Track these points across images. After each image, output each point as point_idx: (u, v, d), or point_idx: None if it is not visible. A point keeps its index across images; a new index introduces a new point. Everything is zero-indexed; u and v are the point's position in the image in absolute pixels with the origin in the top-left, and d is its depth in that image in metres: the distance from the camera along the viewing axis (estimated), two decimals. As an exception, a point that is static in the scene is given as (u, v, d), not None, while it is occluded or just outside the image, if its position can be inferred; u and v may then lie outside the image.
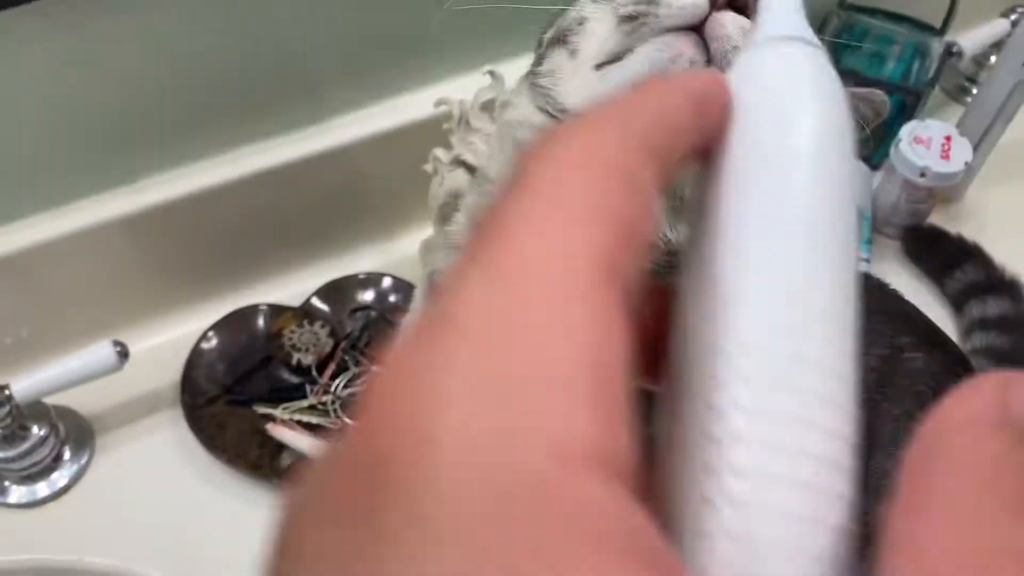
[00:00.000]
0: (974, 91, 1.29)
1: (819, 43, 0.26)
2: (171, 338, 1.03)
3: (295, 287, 1.07)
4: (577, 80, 0.55)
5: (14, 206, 0.92)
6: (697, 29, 0.48)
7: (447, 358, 0.16)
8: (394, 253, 1.10)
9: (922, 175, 1.06)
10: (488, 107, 0.95)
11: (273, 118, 0.98)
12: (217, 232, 1.01)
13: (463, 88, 1.01)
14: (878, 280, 0.80)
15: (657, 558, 0.16)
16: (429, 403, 0.16)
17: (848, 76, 1.08)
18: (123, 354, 0.91)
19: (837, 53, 1.14)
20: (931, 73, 1.12)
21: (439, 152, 0.98)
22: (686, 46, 0.48)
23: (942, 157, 1.06)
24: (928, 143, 1.07)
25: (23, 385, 0.88)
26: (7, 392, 0.87)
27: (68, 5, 0.79)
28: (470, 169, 0.93)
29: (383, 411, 0.16)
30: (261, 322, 1.03)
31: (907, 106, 1.13)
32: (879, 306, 0.68)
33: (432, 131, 0.98)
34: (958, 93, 1.30)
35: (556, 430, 0.16)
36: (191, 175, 0.96)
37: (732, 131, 0.24)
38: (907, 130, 1.08)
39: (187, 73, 0.90)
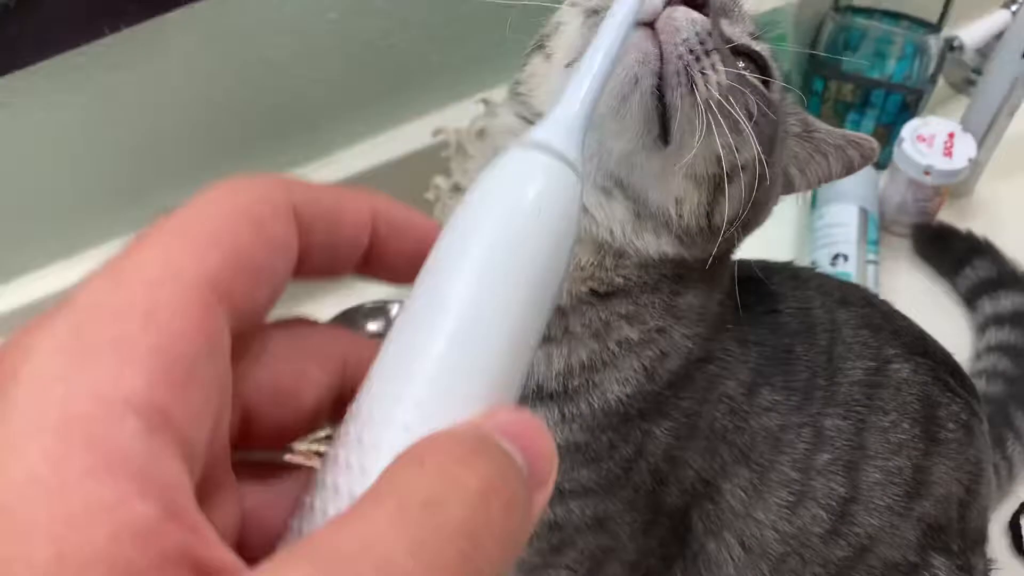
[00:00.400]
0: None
1: (579, 168, 0.28)
2: None
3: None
4: (551, 83, 0.56)
5: (27, 258, 0.95)
6: (652, 24, 0.48)
7: (50, 325, 0.21)
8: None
9: (926, 173, 1.06)
10: (483, 134, 0.96)
11: (275, 157, 1.00)
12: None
13: (460, 114, 1.03)
14: (864, 292, 0.80)
15: (164, 495, 0.20)
16: (21, 353, 0.21)
17: (848, 79, 1.08)
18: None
19: (836, 55, 1.14)
20: (931, 70, 1.11)
21: (439, 180, 1.00)
22: (638, 40, 0.48)
23: (945, 154, 1.05)
24: (931, 141, 1.06)
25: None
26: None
27: (72, 64, 0.82)
28: (469, 194, 0.95)
29: None
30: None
31: (909, 104, 1.12)
32: (865, 320, 0.68)
33: (432, 159, 1.00)
34: (964, 86, 1.28)
35: (105, 381, 0.20)
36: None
37: (455, 215, 0.27)
38: (909, 129, 1.07)
39: (189, 120, 0.93)
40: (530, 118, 0.58)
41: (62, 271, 0.96)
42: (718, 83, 0.49)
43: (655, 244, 0.55)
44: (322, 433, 1.00)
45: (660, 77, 0.48)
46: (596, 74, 0.29)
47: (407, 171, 1.03)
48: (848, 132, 0.64)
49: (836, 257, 1.05)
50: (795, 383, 0.64)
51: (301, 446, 0.99)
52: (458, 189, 0.98)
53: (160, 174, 0.96)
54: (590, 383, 0.57)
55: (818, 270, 0.80)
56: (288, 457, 0.98)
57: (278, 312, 0.28)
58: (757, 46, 0.55)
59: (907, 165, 1.07)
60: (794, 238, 1.16)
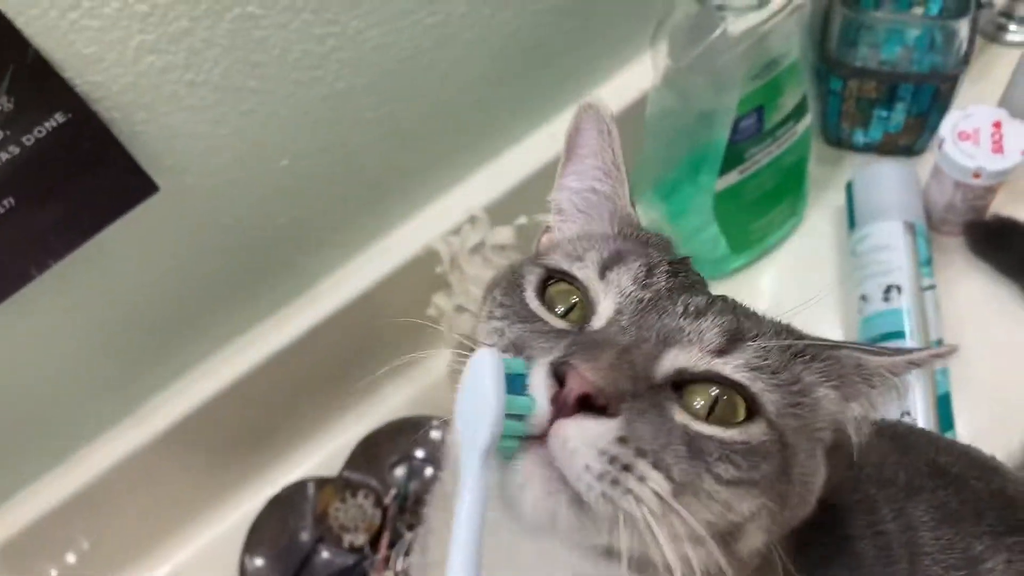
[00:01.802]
0: (1011, 27, 1.13)
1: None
2: (220, 532, 1.00)
3: (328, 449, 1.02)
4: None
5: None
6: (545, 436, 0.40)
7: None
8: (415, 386, 1.04)
9: (975, 176, 0.93)
10: (477, 249, 0.86)
11: (257, 305, 0.91)
12: (237, 424, 0.96)
13: (437, 219, 0.93)
14: (926, 451, 0.68)
15: None
16: None
17: (869, 75, 0.96)
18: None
19: (848, 50, 1.00)
20: (963, 50, 0.97)
21: (439, 300, 0.91)
22: (531, 465, 0.40)
23: (994, 151, 0.93)
24: (975, 137, 0.93)
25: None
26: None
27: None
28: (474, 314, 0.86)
29: None
30: (305, 505, 0.98)
31: (942, 92, 0.99)
32: (941, 512, 0.59)
33: (420, 271, 0.91)
34: (996, 33, 1.14)
35: None
36: (209, 374, 0.92)
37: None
38: (949, 126, 0.94)
39: (157, 302, 0.84)
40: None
41: (59, 476, 0.89)
42: (655, 493, 0.40)
43: None
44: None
45: (579, 499, 0.40)
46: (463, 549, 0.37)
47: (399, 287, 0.93)
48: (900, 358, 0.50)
49: (889, 290, 0.94)
50: None
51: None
52: (462, 309, 0.89)
53: (138, 361, 0.87)
54: None
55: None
56: None
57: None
58: (732, 370, 0.45)
59: (953, 169, 0.94)
60: (837, 264, 1.05)
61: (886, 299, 0.94)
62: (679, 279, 0.49)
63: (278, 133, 0.79)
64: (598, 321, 0.47)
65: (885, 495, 0.60)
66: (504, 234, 0.85)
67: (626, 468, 0.40)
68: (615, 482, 0.39)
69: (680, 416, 0.43)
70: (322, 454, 1.02)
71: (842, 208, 1.07)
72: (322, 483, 0.99)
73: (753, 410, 0.45)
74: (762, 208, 1.01)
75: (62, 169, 0.67)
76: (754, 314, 0.50)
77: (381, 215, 0.93)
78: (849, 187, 1.03)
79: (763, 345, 0.46)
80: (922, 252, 0.96)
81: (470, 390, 0.40)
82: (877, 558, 0.57)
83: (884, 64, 0.99)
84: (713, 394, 0.44)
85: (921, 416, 0.87)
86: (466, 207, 0.90)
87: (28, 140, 0.64)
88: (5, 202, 0.65)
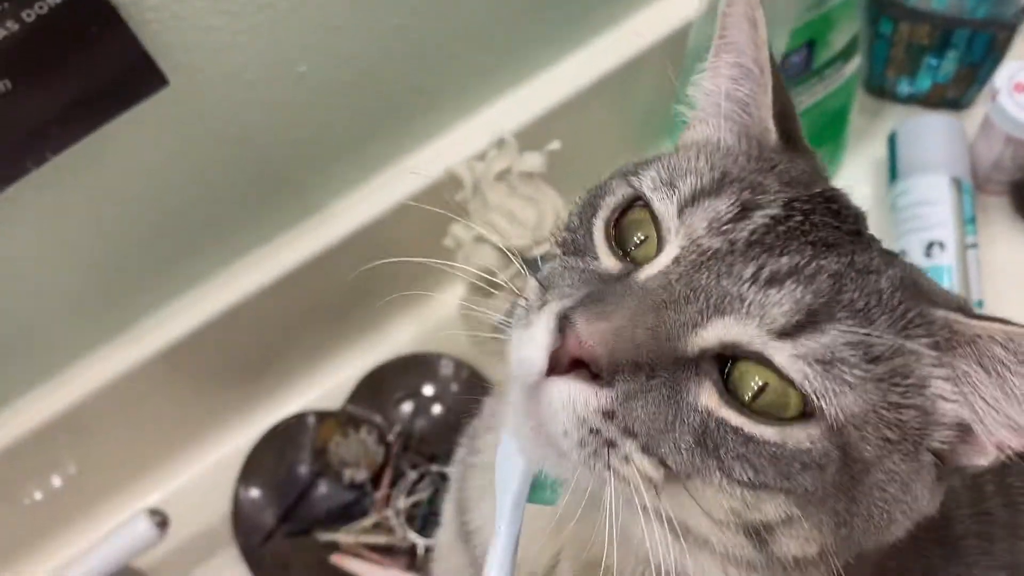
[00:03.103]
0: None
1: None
2: (214, 462, 0.96)
3: (330, 383, 0.97)
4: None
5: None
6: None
7: None
8: (424, 322, 0.99)
9: (1030, 130, 0.89)
10: (503, 176, 0.81)
11: (262, 227, 0.86)
12: (236, 350, 0.91)
13: (460, 143, 0.88)
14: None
15: None
16: None
17: (923, 18, 0.91)
18: (163, 523, 0.83)
19: None
20: (1025, -2, 0.91)
21: (458, 230, 0.85)
22: (522, 416, 0.38)
23: (1052, 105, 0.88)
24: (1033, 89, 0.88)
25: (67, 581, 0.81)
26: (52, 592, 0.81)
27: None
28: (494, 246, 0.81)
29: None
30: (304, 437, 0.94)
31: (999, 41, 0.93)
32: None
33: (439, 196, 0.86)
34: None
35: None
36: (209, 296, 0.86)
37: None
38: (1005, 76, 0.89)
39: (159, 213, 0.78)
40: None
41: (44, 395, 0.84)
42: (643, 474, 0.36)
43: None
44: (368, 522, 0.90)
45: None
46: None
47: (415, 214, 0.88)
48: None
49: (931, 246, 0.89)
50: None
51: (348, 538, 0.90)
52: (482, 240, 0.83)
53: (135, 275, 0.82)
54: None
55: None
56: (334, 558, 0.89)
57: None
58: (786, 358, 0.36)
59: (1006, 122, 0.89)
60: (874, 218, 0.99)
61: (928, 255, 0.89)
62: (788, 227, 0.39)
63: (297, 35, 0.73)
64: (651, 268, 0.39)
65: (1002, 536, 0.55)
66: (533, 161, 0.80)
67: (610, 444, 0.36)
68: (596, 454, 0.36)
69: (706, 400, 0.37)
70: (324, 387, 0.97)
71: (879, 161, 1.02)
72: (323, 416, 0.94)
73: (808, 410, 0.36)
74: (800, 154, 0.96)
75: (65, 52, 0.61)
76: (922, 289, 0.40)
77: (400, 136, 0.87)
78: (892, 138, 0.98)
79: (856, 330, 0.36)
80: (967, 210, 0.91)
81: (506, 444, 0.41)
82: (977, 546, 0.53)
83: (939, 7, 0.94)
84: (761, 382, 0.37)
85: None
86: (493, 132, 0.85)
87: (28, 16, 0.58)
88: (0, 85, 0.59)
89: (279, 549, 0.89)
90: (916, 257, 0.90)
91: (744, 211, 0.39)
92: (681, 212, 0.40)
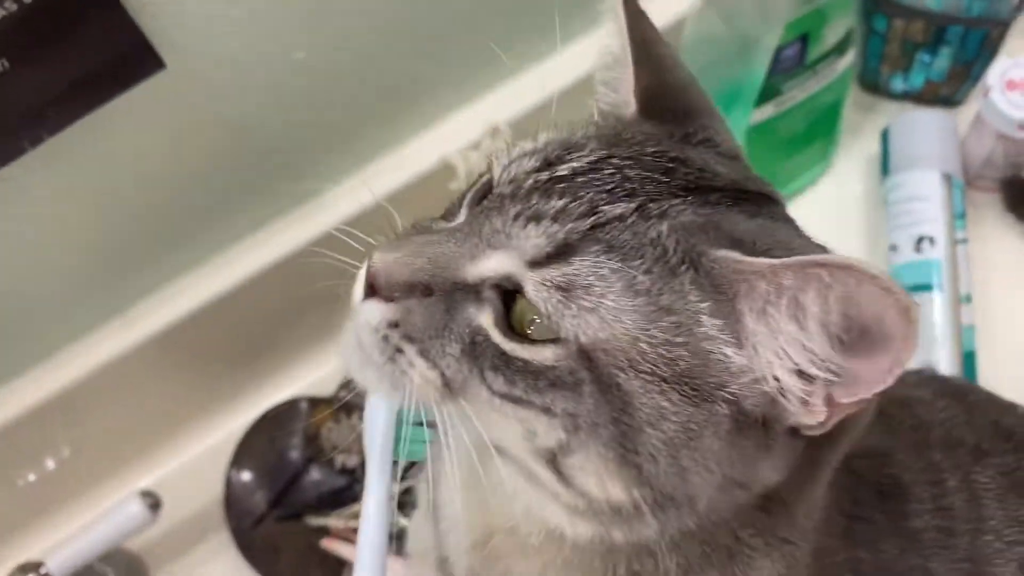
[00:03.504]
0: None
1: None
2: (207, 447, 0.96)
3: (323, 369, 0.98)
4: None
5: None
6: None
7: None
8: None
9: (1022, 128, 0.89)
10: (497, 164, 0.82)
11: (256, 213, 0.86)
12: (230, 335, 0.91)
13: (456, 132, 0.88)
14: (994, 408, 0.65)
15: None
16: None
17: (918, 15, 0.91)
18: (155, 505, 0.84)
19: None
20: (1020, -4, 0.92)
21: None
22: (350, 334, 0.45)
23: (1044, 102, 0.89)
24: (1024, 87, 0.89)
25: (59, 560, 0.81)
26: (44, 571, 0.81)
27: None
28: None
29: None
30: (296, 423, 0.94)
31: (992, 39, 0.94)
32: (1009, 478, 0.55)
33: (434, 185, 0.87)
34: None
35: None
36: (203, 281, 0.87)
37: None
38: (997, 73, 0.90)
39: (156, 196, 0.79)
40: None
41: (38, 377, 0.85)
42: (425, 377, 0.42)
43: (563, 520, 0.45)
44: (359, 507, 0.91)
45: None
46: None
47: (409, 202, 0.88)
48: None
49: (921, 241, 0.90)
50: None
51: (338, 523, 0.90)
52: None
53: (129, 258, 0.83)
54: None
55: (928, 374, 0.67)
56: (324, 542, 0.89)
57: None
58: (533, 286, 0.40)
59: (997, 120, 0.90)
60: (865, 213, 1.01)
61: (918, 249, 0.90)
62: (589, 178, 0.42)
63: (295, 21, 0.73)
64: (461, 217, 0.46)
65: (952, 461, 0.56)
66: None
67: (399, 351, 0.42)
68: (392, 360, 0.42)
69: (480, 320, 0.42)
70: (317, 373, 0.98)
71: (872, 158, 1.03)
72: (316, 402, 0.95)
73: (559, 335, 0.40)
74: (793, 148, 0.97)
75: (63, 34, 0.61)
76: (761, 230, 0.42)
77: (396, 124, 0.88)
78: (885, 133, 0.99)
79: (605, 262, 0.39)
80: (957, 205, 0.92)
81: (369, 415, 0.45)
82: (936, 539, 0.53)
83: (934, 4, 0.94)
84: (533, 314, 0.41)
85: (946, 374, 0.84)
86: (488, 122, 0.85)
87: (27, -4, 0.58)
88: (-1, 64, 0.60)
89: (270, 533, 0.90)
90: (906, 252, 0.90)
91: (547, 165, 0.44)
92: (503, 170, 0.45)
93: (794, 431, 0.40)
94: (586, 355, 0.39)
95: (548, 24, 0.90)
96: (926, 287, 0.88)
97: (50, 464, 0.90)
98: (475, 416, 0.42)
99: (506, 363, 0.41)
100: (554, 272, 0.40)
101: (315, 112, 0.81)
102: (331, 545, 0.88)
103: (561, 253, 0.40)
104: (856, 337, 0.36)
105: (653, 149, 0.44)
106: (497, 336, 0.41)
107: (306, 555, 0.89)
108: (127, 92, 0.66)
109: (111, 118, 0.67)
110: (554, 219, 0.41)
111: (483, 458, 0.44)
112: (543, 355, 0.40)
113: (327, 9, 0.74)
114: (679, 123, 0.48)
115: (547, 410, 0.40)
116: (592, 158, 0.43)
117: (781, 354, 0.38)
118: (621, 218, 0.40)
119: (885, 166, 0.97)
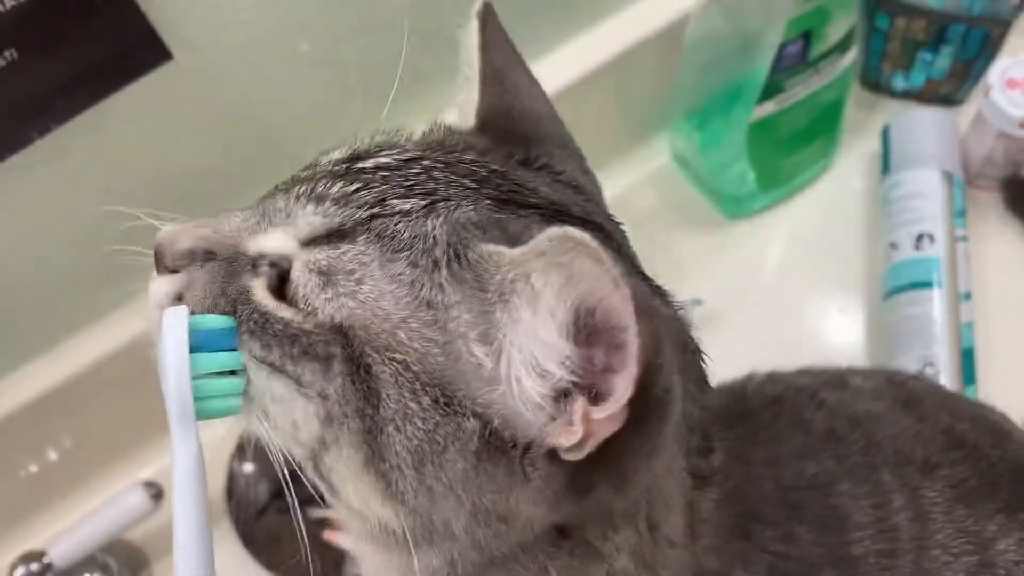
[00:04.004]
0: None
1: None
2: (209, 438, 0.96)
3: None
4: None
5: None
6: None
7: None
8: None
9: (1022, 126, 0.90)
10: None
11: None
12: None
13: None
14: (943, 418, 0.63)
15: None
16: None
17: (920, 14, 0.92)
18: (157, 495, 0.84)
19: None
20: (1021, -5, 0.93)
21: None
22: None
23: (1045, 101, 0.89)
24: (1025, 86, 0.90)
25: (62, 550, 0.82)
26: (46, 561, 0.81)
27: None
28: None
29: None
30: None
31: (993, 38, 0.95)
32: (957, 491, 0.55)
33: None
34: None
35: None
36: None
37: None
38: (998, 72, 0.91)
39: (160, 189, 0.79)
40: None
41: (41, 369, 0.85)
42: None
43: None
44: (361, 500, 0.91)
45: None
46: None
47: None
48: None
49: (920, 238, 0.91)
50: None
51: (340, 515, 0.90)
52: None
53: (136, 249, 0.83)
54: None
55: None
56: (327, 534, 0.90)
57: None
58: (300, 264, 0.41)
59: (998, 118, 0.91)
60: (865, 210, 1.01)
61: (917, 247, 0.90)
62: (392, 174, 0.42)
63: (301, 14, 0.74)
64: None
65: (900, 479, 0.56)
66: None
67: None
68: None
69: (251, 286, 0.41)
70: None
71: (872, 156, 1.03)
72: (318, 395, 0.95)
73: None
74: (794, 145, 0.98)
75: (71, 24, 0.62)
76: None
77: (400, 118, 0.88)
78: (886, 131, 0.99)
79: (366, 251, 0.39)
80: (957, 203, 0.93)
81: (160, 355, 0.40)
82: (876, 563, 0.53)
83: (936, 3, 0.95)
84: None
85: (944, 370, 0.85)
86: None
87: (36, -13, 0.59)
88: (7, 54, 0.60)
89: (272, 524, 0.91)
90: (906, 249, 0.91)
91: (354, 158, 0.45)
92: (313, 160, 0.47)
93: (553, 455, 0.38)
94: (342, 331, 0.39)
95: (552, 20, 0.91)
96: (926, 284, 0.88)
97: (52, 455, 0.91)
98: (253, 395, 0.42)
99: (264, 325, 0.40)
100: (320, 254, 0.40)
101: (320, 105, 0.82)
102: (333, 537, 0.89)
103: (332, 236, 0.40)
104: (589, 325, 0.34)
105: (471, 158, 0.44)
106: (261, 298, 0.41)
107: (308, 547, 0.89)
108: (134, 83, 0.66)
109: (119, 109, 0.68)
110: (335, 202, 0.41)
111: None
112: (284, 314, 0.40)
113: (333, 2, 0.74)
114: (521, 147, 0.48)
115: (299, 381, 0.40)
116: (402, 157, 0.43)
117: (520, 347, 0.36)
118: (406, 213, 0.40)
119: (886, 164, 0.98)
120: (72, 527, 0.84)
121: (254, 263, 0.42)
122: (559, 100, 0.91)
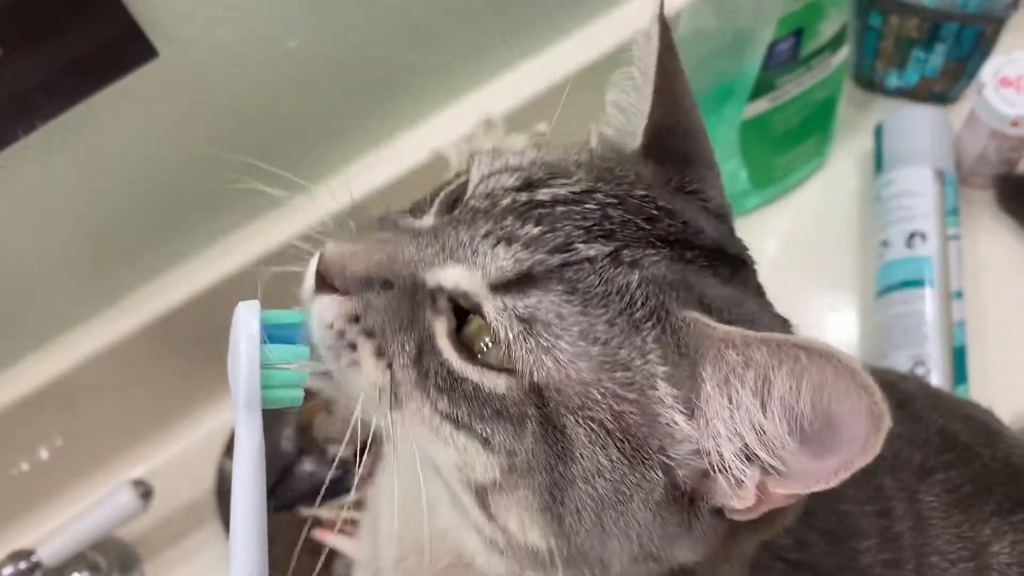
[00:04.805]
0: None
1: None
2: (199, 437, 0.96)
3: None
4: None
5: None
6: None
7: None
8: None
9: (1014, 124, 0.89)
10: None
11: (250, 205, 0.87)
12: (224, 325, 0.92)
13: (458, 116, 0.89)
14: (939, 420, 0.63)
15: None
16: None
17: (913, 12, 0.91)
18: (146, 494, 0.84)
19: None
20: (1014, -8, 0.92)
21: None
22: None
23: (1037, 99, 0.89)
24: (1019, 84, 0.89)
25: (51, 549, 0.82)
26: (34, 559, 0.81)
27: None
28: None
29: None
30: (289, 414, 0.94)
31: (986, 36, 0.94)
32: (953, 496, 0.55)
33: (426, 178, 0.87)
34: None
35: None
36: (197, 271, 0.87)
37: None
38: (991, 70, 0.90)
39: (150, 183, 0.79)
40: None
41: (31, 366, 0.85)
42: (372, 380, 0.41)
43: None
44: (351, 498, 0.91)
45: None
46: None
47: (401, 195, 0.88)
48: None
49: (912, 236, 0.90)
50: None
51: (331, 514, 0.91)
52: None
53: (123, 247, 0.83)
54: None
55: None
56: (317, 533, 0.89)
57: None
58: (496, 310, 0.39)
59: (990, 116, 0.90)
60: (858, 208, 1.01)
61: (909, 245, 0.90)
62: (569, 209, 0.41)
63: (287, 10, 0.73)
64: (430, 220, 0.45)
65: (899, 484, 0.56)
66: (520, 142, 0.81)
67: (351, 347, 0.41)
68: (340, 356, 0.41)
69: (435, 327, 0.40)
70: (310, 365, 0.98)
71: (866, 154, 1.03)
72: (309, 393, 0.95)
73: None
74: (787, 144, 0.97)
75: (56, 21, 0.61)
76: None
77: (389, 115, 0.88)
78: (879, 130, 0.99)
79: (565, 303, 0.38)
80: (950, 201, 0.92)
81: (232, 345, 0.42)
82: (883, 573, 0.53)
83: (929, 1, 0.94)
84: (487, 337, 0.40)
85: (936, 369, 0.84)
86: (482, 115, 0.85)
87: (20, -16, 0.59)
88: (-8, 51, 0.60)
89: (262, 523, 0.90)
90: (898, 248, 0.90)
91: (528, 186, 0.42)
92: (481, 181, 0.44)
93: (719, 512, 0.39)
94: (538, 392, 0.38)
95: (543, 18, 0.91)
96: (918, 283, 0.88)
97: (43, 453, 0.91)
98: (414, 431, 0.41)
99: (453, 384, 0.39)
100: (515, 301, 0.38)
101: (309, 102, 0.82)
102: (324, 536, 0.89)
103: (521, 282, 0.39)
104: (817, 429, 0.34)
105: (642, 192, 0.43)
106: (448, 351, 0.40)
107: (297, 544, 0.89)
108: (120, 80, 0.66)
109: (105, 106, 0.67)
110: (526, 245, 0.39)
111: (425, 472, 0.42)
112: (495, 382, 0.39)
113: (321, -1, 0.74)
114: (678, 169, 0.47)
115: (486, 441, 0.39)
116: (576, 189, 0.42)
117: (732, 429, 0.37)
118: (592, 260, 0.39)
119: (879, 162, 0.97)
120: (62, 525, 0.84)
121: (433, 296, 0.41)
122: (549, 100, 0.91)
